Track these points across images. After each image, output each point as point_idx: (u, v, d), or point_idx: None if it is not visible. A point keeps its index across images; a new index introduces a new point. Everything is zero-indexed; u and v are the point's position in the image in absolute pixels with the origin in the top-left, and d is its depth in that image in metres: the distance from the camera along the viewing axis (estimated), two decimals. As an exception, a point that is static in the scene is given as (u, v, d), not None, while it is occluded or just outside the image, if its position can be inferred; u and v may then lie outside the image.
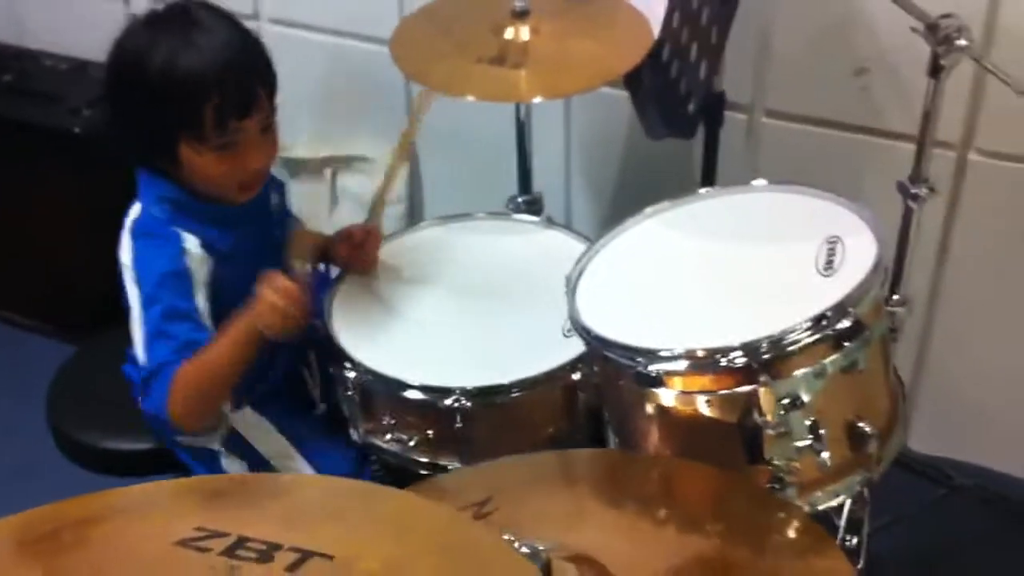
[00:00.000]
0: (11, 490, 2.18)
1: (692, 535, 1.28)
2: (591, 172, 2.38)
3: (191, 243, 1.55)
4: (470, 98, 1.76)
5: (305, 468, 1.70)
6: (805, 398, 1.35)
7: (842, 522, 1.45)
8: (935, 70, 1.61)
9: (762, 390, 1.34)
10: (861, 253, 1.44)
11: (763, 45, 2.04)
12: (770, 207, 1.62)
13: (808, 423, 1.35)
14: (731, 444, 1.38)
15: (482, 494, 1.30)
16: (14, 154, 2.56)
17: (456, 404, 1.55)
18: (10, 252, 2.70)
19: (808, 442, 1.35)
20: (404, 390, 1.58)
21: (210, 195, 1.57)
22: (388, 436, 1.63)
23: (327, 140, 2.55)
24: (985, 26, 1.82)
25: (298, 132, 2.49)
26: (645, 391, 1.42)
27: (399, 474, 1.65)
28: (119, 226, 1.59)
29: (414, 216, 2.59)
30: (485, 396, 1.56)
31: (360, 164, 2.53)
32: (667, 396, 1.40)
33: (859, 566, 1.46)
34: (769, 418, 1.33)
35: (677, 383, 1.39)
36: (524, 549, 1.00)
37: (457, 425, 1.56)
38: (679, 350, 1.37)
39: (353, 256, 1.78)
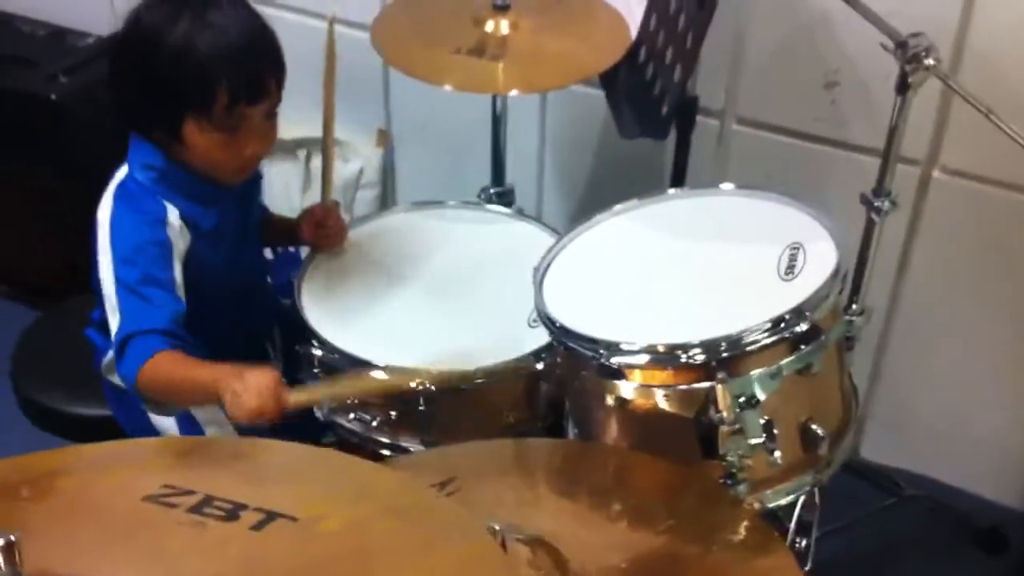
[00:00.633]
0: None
1: (643, 528, 1.31)
2: (564, 167, 2.41)
3: (173, 215, 1.55)
4: (447, 87, 1.78)
5: None
6: (760, 397, 1.38)
7: (792, 524, 1.48)
8: (903, 87, 1.64)
9: (719, 387, 1.37)
10: (822, 260, 1.47)
11: (737, 55, 2.07)
12: (736, 211, 1.65)
13: (762, 422, 1.39)
14: (687, 438, 1.42)
15: (442, 476, 1.33)
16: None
17: (420, 387, 1.56)
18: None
19: (761, 440, 1.39)
20: (369, 370, 1.59)
21: (202, 173, 1.57)
22: (351, 415, 1.65)
23: (301, 122, 2.54)
24: (954, 47, 1.85)
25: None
26: (606, 383, 1.44)
27: (359, 455, 1.66)
28: (95, 193, 1.59)
29: (387, 202, 2.60)
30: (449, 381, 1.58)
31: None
32: (627, 388, 1.43)
33: (807, 568, 1.50)
34: (725, 415, 1.37)
35: (637, 376, 1.42)
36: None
37: (420, 408, 1.58)
38: (640, 344, 1.40)
39: (318, 235, 1.81)
